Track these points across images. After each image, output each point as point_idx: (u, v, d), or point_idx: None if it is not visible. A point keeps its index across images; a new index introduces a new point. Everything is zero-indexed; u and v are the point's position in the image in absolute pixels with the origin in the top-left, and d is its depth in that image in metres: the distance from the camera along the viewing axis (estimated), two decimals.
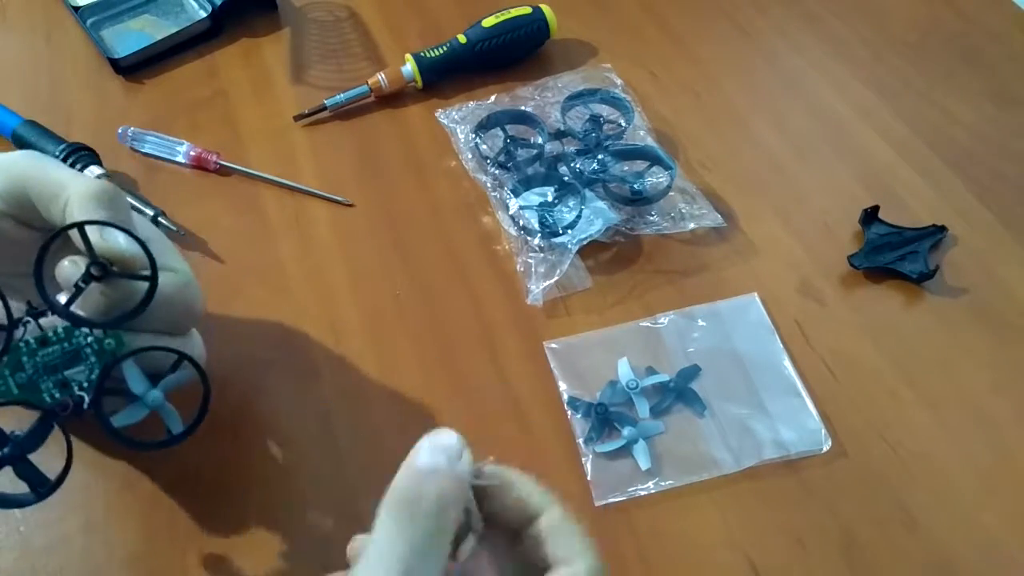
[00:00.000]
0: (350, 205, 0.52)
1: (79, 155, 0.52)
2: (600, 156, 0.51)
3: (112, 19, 0.64)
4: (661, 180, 0.51)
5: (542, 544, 0.27)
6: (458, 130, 0.55)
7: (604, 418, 0.42)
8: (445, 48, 0.58)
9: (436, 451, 0.25)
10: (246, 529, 0.39)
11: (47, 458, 0.32)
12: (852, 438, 0.42)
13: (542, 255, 0.48)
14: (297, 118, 0.57)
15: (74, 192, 0.32)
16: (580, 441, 0.42)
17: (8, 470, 0.32)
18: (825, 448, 0.42)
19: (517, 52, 0.60)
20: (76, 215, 0.32)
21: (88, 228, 0.31)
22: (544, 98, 0.57)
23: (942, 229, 0.50)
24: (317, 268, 0.49)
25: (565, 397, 0.43)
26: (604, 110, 0.55)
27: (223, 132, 0.56)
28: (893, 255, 0.49)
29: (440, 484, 0.25)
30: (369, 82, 0.57)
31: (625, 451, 0.41)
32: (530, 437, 0.42)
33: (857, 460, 0.42)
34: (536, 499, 0.28)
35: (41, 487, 0.32)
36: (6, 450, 0.31)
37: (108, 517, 0.39)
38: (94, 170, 0.51)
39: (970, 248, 0.50)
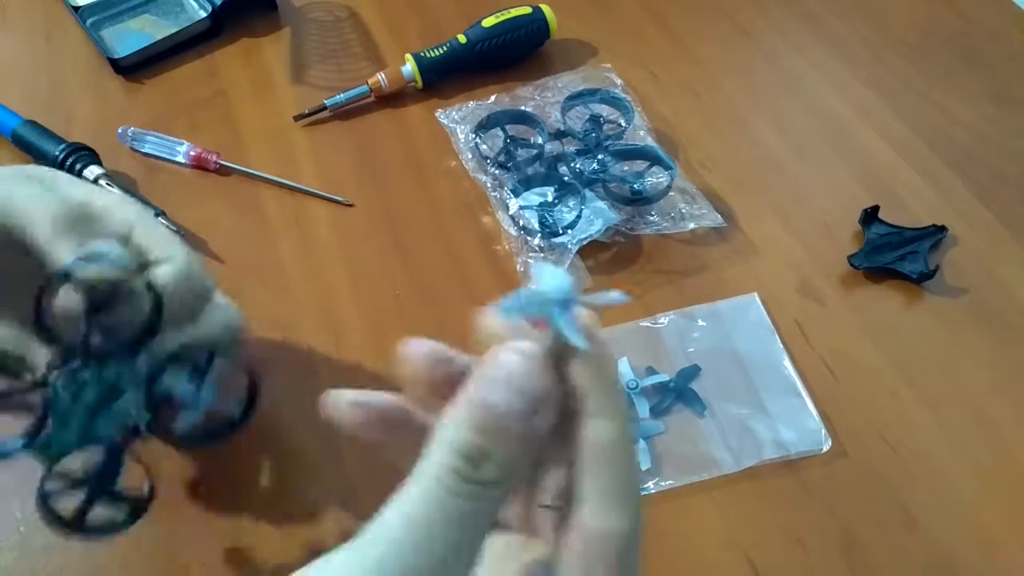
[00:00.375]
0: (350, 205, 0.52)
1: (79, 155, 0.52)
2: (600, 156, 0.51)
3: (112, 19, 0.64)
4: (661, 180, 0.51)
5: None
6: (458, 130, 0.55)
7: None
8: (445, 48, 0.58)
9: (511, 389, 0.21)
10: (246, 529, 0.39)
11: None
12: (852, 438, 0.42)
13: (542, 255, 0.48)
14: (297, 118, 0.57)
15: (40, 220, 0.31)
16: None
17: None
18: (825, 448, 0.42)
19: (517, 52, 0.60)
20: (53, 248, 0.31)
21: (73, 268, 0.30)
22: (544, 98, 0.57)
23: (942, 229, 0.50)
24: (317, 268, 0.49)
25: None
26: (604, 110, 0.55)
27: (223, 132, 0.56)
28: (893, 255, 0.49)
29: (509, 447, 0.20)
30: (369, 82, 0.57)
31: None
32: None
33: (857, 460, 0.42)
34: None
35: (129, 513, 0.32)
36: (87, 490, 0.31)
37: None
38: (94, 170, 0.51)
39: (970, 248, 0.50)
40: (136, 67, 0.60)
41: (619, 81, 0.58)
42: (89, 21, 0.63)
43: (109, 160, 0.53)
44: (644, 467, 0.41)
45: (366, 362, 0.45)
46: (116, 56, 0.59)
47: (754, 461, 0.41)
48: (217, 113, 0.58)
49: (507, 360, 0.21)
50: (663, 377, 0.44)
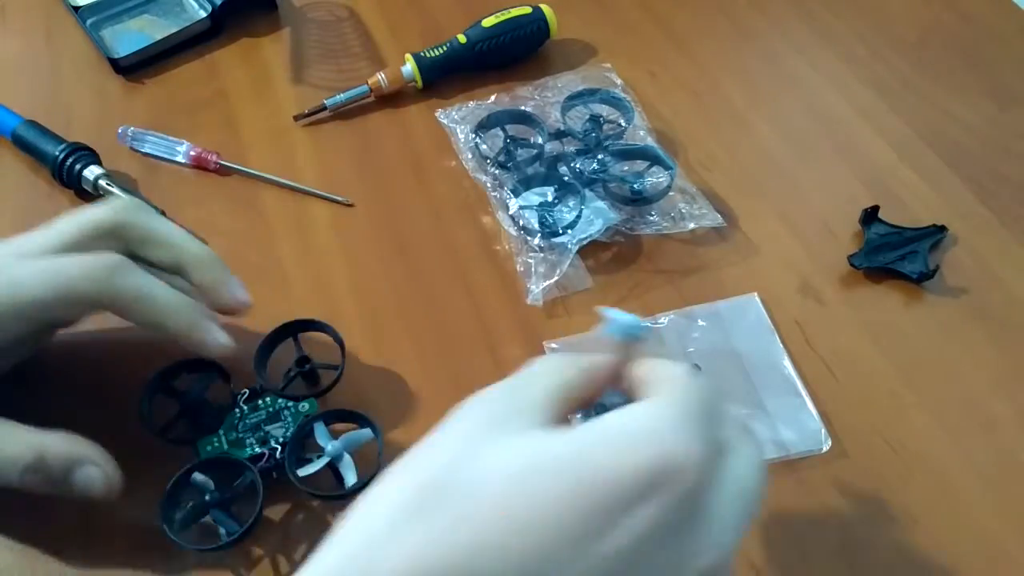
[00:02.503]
0: (350, 205, 0.52)
1: (79, 155, 0.52)
2: (600, 156, 0.51)
3: (112, 19, 0.64)
4: (661, 180, 0.51)
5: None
6: (458, 130, 0.55)
7: None
8: (445, 48, 0.58)
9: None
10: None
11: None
12: (852, 438, 0.42)
13: (542, 255, 0.48)
14: (297, 118, 0.57)
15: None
16: None
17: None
18: (825, 448, 0.42)
19: (517, 52, 0.60)
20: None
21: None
22: (544, 98, 0.57)
23: (942, 229, 0.50)
24: (317, 268, 0.49)
25: None
26: (604, 110, 0.55)
27: (223, 132, 0.56)
28: (893, 255, 0.49)
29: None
30: (369, 82, 0.57)
31: None
32: None
33: (857, 460, 0.42)
34: None
35: (233, 533, 0.36)
36: (207, 498, 0.37)
37: (109, 518, 0.39)
38: (94, 170, 0.51)
39: (970, 248, 0.50)
40: (136, 67, 0.60)
41: (619, 81, 0.58)
42: (89, 21, 0.63)
43: (109, 160, 0.53)
44: None
45: (366, 362, 0.45)
46: (116, 56, 0.59)
47: None
48: (217, 113, 0.58)
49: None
50: None
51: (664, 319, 0.47)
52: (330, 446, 0.38)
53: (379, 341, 0.46)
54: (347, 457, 0.38)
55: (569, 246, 0.48)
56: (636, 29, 0.64)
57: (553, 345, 0.45)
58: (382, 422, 0.39)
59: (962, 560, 0.39)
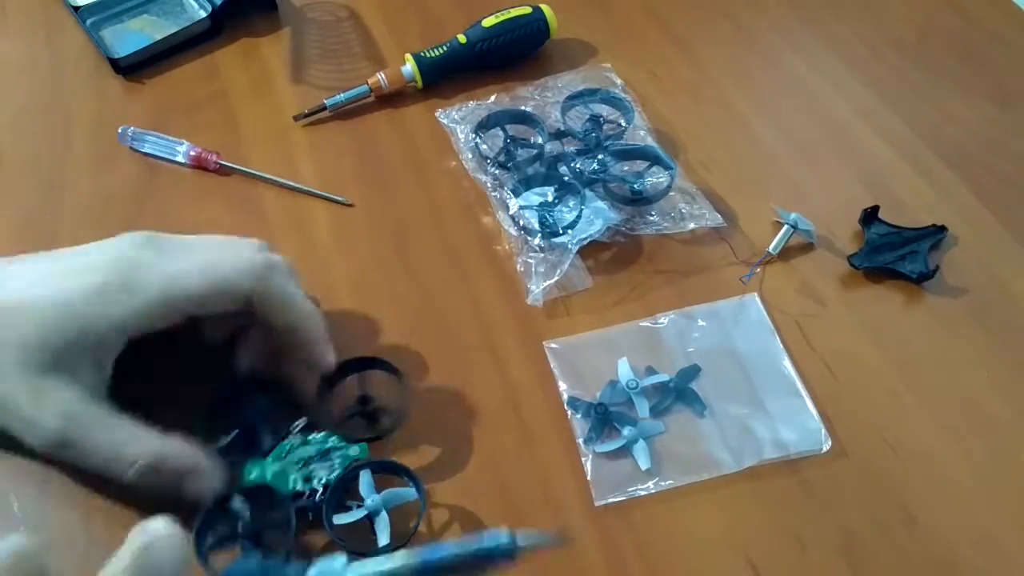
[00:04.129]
0: (350, 205, 0.52)
1: None
2: (600, 156, 0.51)
3: (112, 19, 0.64)
4: (661, 180, 0.51)
5: None
6: (458, 130, 0.55)
7: (604, 418, 0.42)
8: (445, 48, 0.58)
9: None
10: None
11: None
12: (852, 438, 0.42)
13: (542, 255, 0.48)
14: (297, 118, 0.57)
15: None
16: (580, 441, 0.42)
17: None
18: (825, 448, 0.42)
19: (517, 52, 0.60)
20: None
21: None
22: (544, 98, 0.57)
23: (942, 229, 0.50)
24: (317, 268, 0.49)
25: (565, 397, 0.43)
26: (604, 110, 0.55)
27: (223, 132, 0.56)
28: (893, 255, 0.49)
29: None
30: (369, 82, 0.57)
31: (625, 451, 0.41)
32: (530, 437, 0.42)
33: (857, 460, 0.42)
34: None
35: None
36: (240, 528, 0.36)
37: (109, 517, 0.39)
38: None
39: (970, 248, 0.50)
40: (136, 67, 0.60)
41: (619, 81, 0.58)
42: (89, 21, 0.63)
43: (109, 160, 0.53)
44: (644, 467, 0.41)
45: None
46: (116, 56, 0.59)
47: (754, 461, 0.41)
48: (217, 113, 0.58)
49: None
50: (663, 377, 0.44)
51: (664, 319, 0.47)
52: (371, 500, 0.38)
53: (379, 341, 0.46)
54: (384, 514, 0.38)
55: (569, 246, 0.48)
56: (636, 29, 0.64)
57: (553, 345, 0.45)
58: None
59: (962, 560, 0.39)
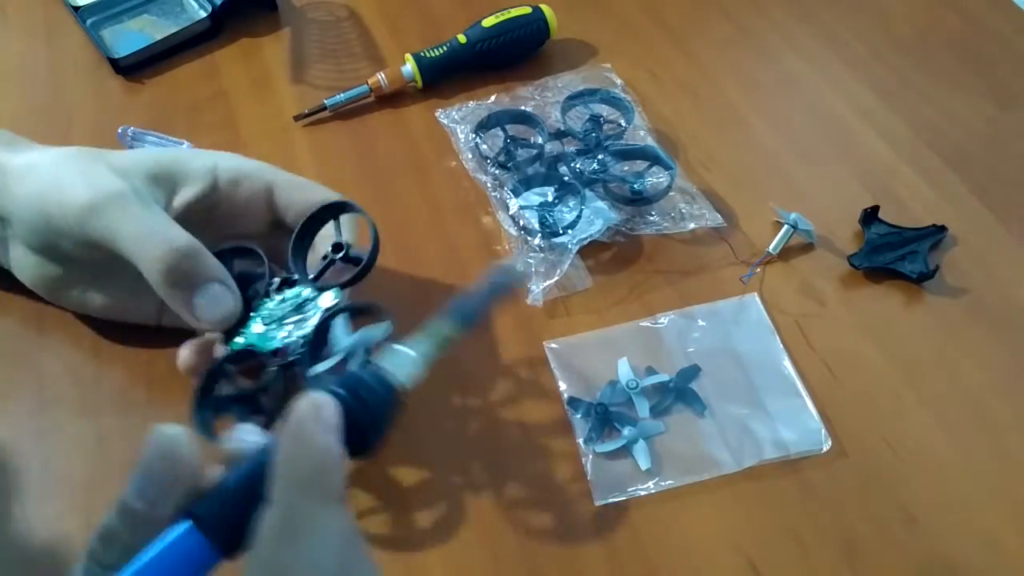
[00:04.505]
0: None
1: None
2: (600, 156, 0.51)
3: (112, 19, 0.64)
4: (661, 180, 0.51)
5: None
6: (458, 130, 0.55)
7: (604, 418, 0.42)
8: (445, 48, 0.58)
9: None
10: None
11: None
12: (852, 438, 0.42)
13: (542, 255, 0.48)
14: (297, 118, 0.57)
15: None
16: (580, 441, 0.42)
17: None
18: (825, 448, 0.42)
19: (517, 52, 0.60)
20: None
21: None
22: (544, 98, 0.57)
23: (942, 229, 0.50)
24: None
25: (565, 397, 0.43)
26: (604, 110, 0.55)
27: (223, 132, 0.56)
28: (893, 255, 0.49)
29: None
30: (369, 82, 0.57)
31: (625, 451, 0.41)
32: (530, 437, 0.42)
33: (857, 460, 0.42)
34: None
35: (268, 426, 0.35)
36: (230, 393, 0.37)
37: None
38: None
39: (970, 248, 0.50)
40: (136, 67, 0.60)
41: (619, 81, 0.58)
42: (89, 21, 0.63)
43: None
44: (644, 467, 0.41)
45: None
46: (116, 56, 0.59)
47: (754, 461, 0.41)
48: (217, 113, 0.58)
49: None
50: (663, 377, 0.44)
51: (664, 319, 0.47)
52: (344, 341, 0.37)
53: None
54: (361, 352, 0.37)
55: (569, 246, 0.48)
56: (636, 29, 0.64)
57: (553, 345, 0.45)
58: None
59: (962, 560, 0.39)
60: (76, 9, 0.63)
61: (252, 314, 0.39)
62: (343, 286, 0.39)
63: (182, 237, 0.37)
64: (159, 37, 0.60)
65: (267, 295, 0.40)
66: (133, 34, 0.62)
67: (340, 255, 0.40)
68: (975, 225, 0.51)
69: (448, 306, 0.31)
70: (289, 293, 0.39)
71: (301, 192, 0.42)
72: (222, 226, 0.42)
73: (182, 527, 0.25)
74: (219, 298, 0.38)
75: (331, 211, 0.41)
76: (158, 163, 0.41)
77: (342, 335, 0.37)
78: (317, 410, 0.25)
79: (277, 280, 0.40)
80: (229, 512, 0.25)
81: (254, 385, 0.38)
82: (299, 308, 0.39)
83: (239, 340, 0.39)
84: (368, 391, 0.27)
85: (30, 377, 0.44)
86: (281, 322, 0.39)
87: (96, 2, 0.63)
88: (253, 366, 0.38)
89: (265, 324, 0.39)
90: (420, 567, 0.38)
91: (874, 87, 0.59)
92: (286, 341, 0.38)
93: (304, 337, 0.38)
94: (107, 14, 0.64)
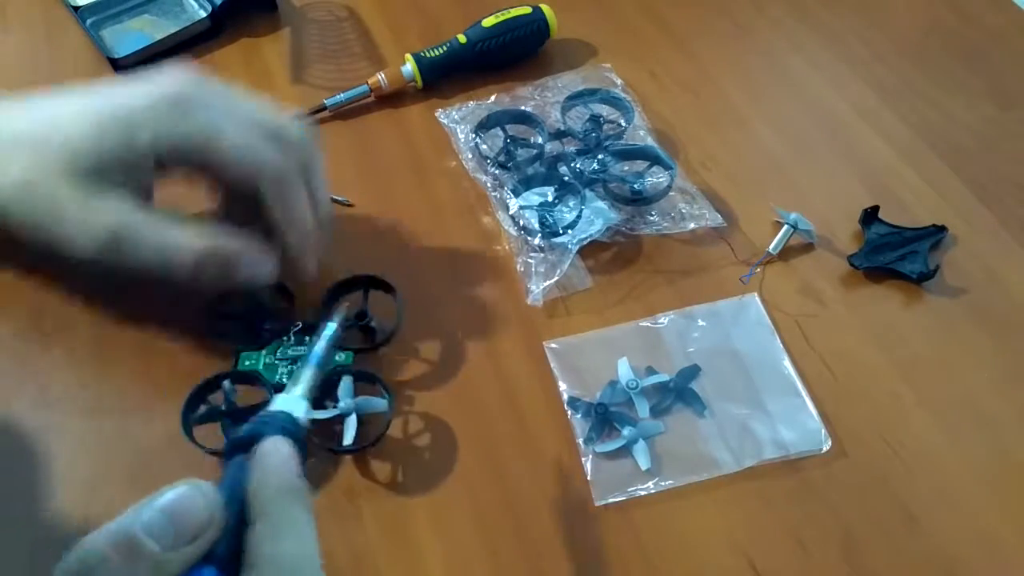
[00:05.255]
0: (350, 205, 0.52)
1: None
2: (600, 156, 0.52)
3: (112, 19, 0.64)
4: (661, 180, 0.51)
5: None
6: (458, 130, 0.55)
7: (604, 418, 0.42)
8: (445, 48, 0.58)
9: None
10: None
11: None
12: (852, 438, 0.42)
13: (542, 255, 0.48)
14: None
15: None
16: (580, 441, 0.42)
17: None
18: (825, 448, 0.42)
19: (517, 52, 0.60)
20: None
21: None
22: (544, 98, 0.57)
23: (942, 229, 0.50)
24: None
25: (565, 397, 0.43)
26: (604, 110, 0.55)
27: None
28: (893, 255, 0.49)
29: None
30: (369, 82, 0.57)
31: (625, 451, 0.41)
32: (530, 437, 0.42)
33: (857, 460, 0.42)
34: None
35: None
36: (224, 406, 0.40)
37: (110, 514, 0.39)
38: None
39: (970, 248, 0.50)
40: (136, 67, 0.60)
41: (619, 81, 0.58)
42: (89, 21, 0.63)
43: None
44: (644, 467, 0.41)
45: (364, 359, 0.45)
46: (116, 56, 0.59)
47: (754, 461, 0.41)
48: None
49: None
50: (663, 377, 0.44)
51: (664, 319, 0.47)
52: (344, 402, 0.40)
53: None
54: (354, 418, 0.40)
55: (569, 246, 0.48)
56: (636, 29, 0.64)
57: (553, 345, 0.45)
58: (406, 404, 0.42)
59: (962, 560, 0.39)
60: (76, 9, 0.63)
61: (267, 347, 0.43)
62: (357, 351, 0.43)
63: (194, 244, 0.39)
64: (159, 37, 0.60)
65: (287, 334, 0.43)
66: (133, 34, 0.62)
67: (362, 322, 0.44)
68: (975, 225, 0.51)
69: (305, 355, 0.35)
70: (309, 339, 0.43)
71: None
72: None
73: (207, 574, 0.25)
74: (256, 263, 0.41)
75: (366, 283, 0.45)
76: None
77: (345, 392, 0.41)
78: (277, 444, 0.29)
79: (300, 324, 0.44)
80: (236, 547, 0.26)
81: (246, 408, 0.40)
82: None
83: (248, 362, 0.42)
84: (293, 429, 0.31)
85: (31, 376, 0.44)
86: (292, 363, 0.43)
87: (96, 2, 0.63)
88: (252, 389, 0.41)
89: (277, 359, 0.43)
90: (420, 566, 0.38)
91: (874, 87, 0.60)
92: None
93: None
94: (107, 14, 0.64)
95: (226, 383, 0.40)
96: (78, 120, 0.39)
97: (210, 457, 0.39)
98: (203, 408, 0.40)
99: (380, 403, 0.41)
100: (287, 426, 0.30)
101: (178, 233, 0.39)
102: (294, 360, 0.43)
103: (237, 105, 0.41)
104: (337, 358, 0.43)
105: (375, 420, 0.41)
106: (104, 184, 0.38)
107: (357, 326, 0.44)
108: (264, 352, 0.43)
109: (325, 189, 0.44)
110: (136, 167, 0.39)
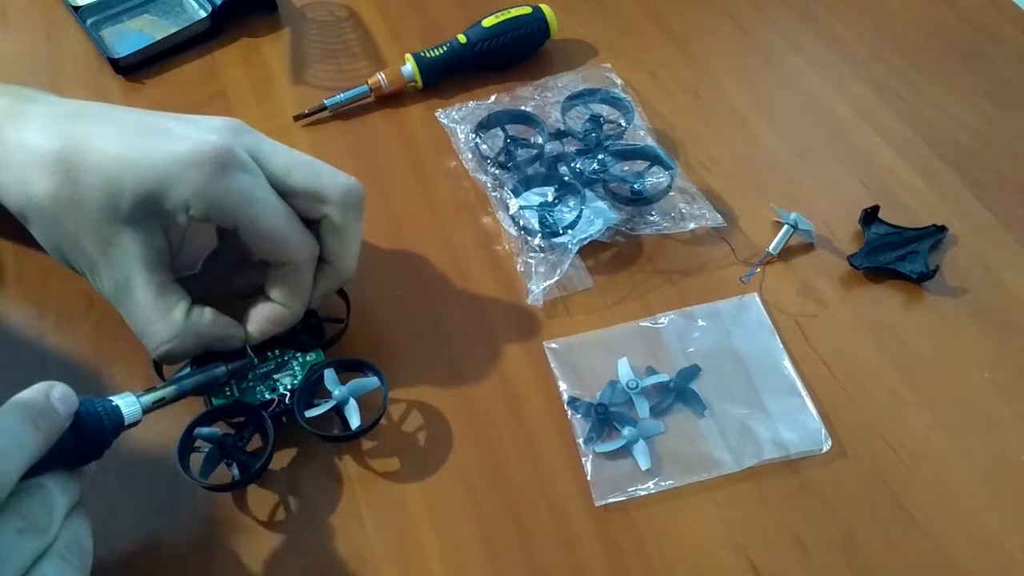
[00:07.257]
0: None
1: None
2: (600, 156, 0.52)
3: (112, 19, 0.64)
4: (661, 180, 0.51)
5: None
6: (458, 130, 0.55)
7: (604, 418, 0.42)
8: (445, 48, 0.58)
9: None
10: (242, 524, 0.39)
11: None
12: (852, 438, 0.42)
13: (542, 255, 0.48)
14: (297, 118, 0.57)
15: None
16: (580, 441, 0.42)
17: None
18: (825, 448, 0.42)
19: (517, 52, 0.60)
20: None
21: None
22: (544, 98, 0.57)
23: (942, 229, 0.50)
24: None
25: (565, 397, 0.43)
26: (604, 110, 0.55)
27: None
28: (893, 255, 0.49)
29: None
30: (369, 82, 0.57)
31: (625, 451, 0.41)
32: (530, 437, 0.42)
33: (857, 460, 0.42)
34: None
35: (247, 472, 0.39)
36: (221, 444, 0.39)
37: (112, 513, 0.39)
38: None
39: (970, 248, 0.50)
40: (136, 67, 0.60)
41: (619, 81, 0.58)
42: (89, 21, 0.63)
43: None
44: (644, 467, 0.41)
45: (365, 358, 0.45)
46: (116, 56, 0.59)
47: (754, 461, 0.41)
48: (217, 113, 0.57)
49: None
50: (663, 377, 0.44)
51: (664, 319, 0.47)
52: (337, 391, 0.41)
53: (377, 340, 0.46)
54: (353, 402, 0.41)
55: (569, 246, 0.48)
56: (636, 29, 0.64)
57: (553, 345, 0.45)
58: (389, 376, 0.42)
59: (962, 560, 0.39)
60: (76, 9, 0.63)
61: (234, 376, 0.42)
62: (322, 347, 0.44)
63: (164, 333, 0.39)
64: (159, 37, 0.60)
65: (246, 356, 0.42)
66: (133, 34, 0.62)
67: (310, 321, 0.44)
68: (975, 225, 0.51)
69: (175, 376, 0.38)
70: (271, 354, 0.43)
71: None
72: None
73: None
74: (227, 341, 0.41)
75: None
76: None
77: (333, 384, 0.41)
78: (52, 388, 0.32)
79: (256, 360, 0.42)
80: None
81: (241, 437, 0.40)
82: (283, 365, 0.43)
83: (222, 397, 0.41)
84: (105, 412, 0.34)
85: (31, 375, 0.44)
86: (265, 379, 0.42)
87: (96, 2, 0.63)
88: (240, 419, 0.42)
89: (250, 381, 0.42)
90: (420, 565, 0.38)
91: (874, 87, 0.60)
92: (275, 394, 0.41)
93: (295, 387, 0.42)
94: (107, 14, 0.64)
95: (202, 430, 0.39)
96: (114, 156, 0.37)
97: (224, 493, 0.40)
98: (199, 452, 0.40)
99: (372, 382, 0.41)
100: (103, 408, 0.33)
101: (156, 317, 0.39)
102: (267, 375, 0.42)
103: (276, 167, 0.39)
104: (308, 358, 0.43)
105: (372, 404, 0.41)
106: (134, 228, 0.37)
107: (305, 328, 0.43)
108: (233, 382, 0.42)
109: (355, 253, 0.43)
110: (161, 214, 0.38)
